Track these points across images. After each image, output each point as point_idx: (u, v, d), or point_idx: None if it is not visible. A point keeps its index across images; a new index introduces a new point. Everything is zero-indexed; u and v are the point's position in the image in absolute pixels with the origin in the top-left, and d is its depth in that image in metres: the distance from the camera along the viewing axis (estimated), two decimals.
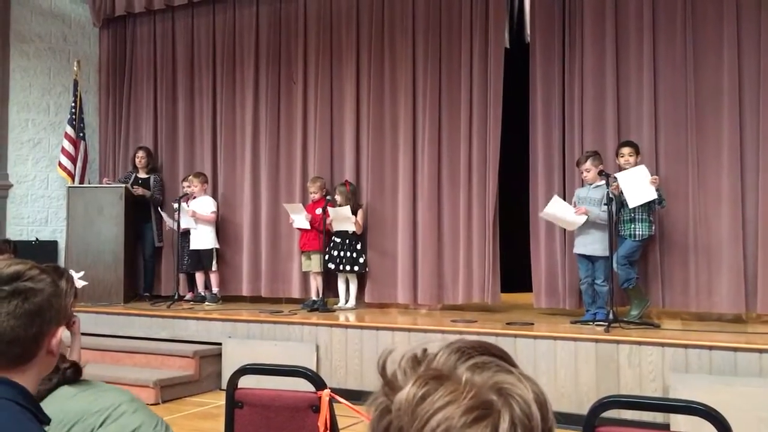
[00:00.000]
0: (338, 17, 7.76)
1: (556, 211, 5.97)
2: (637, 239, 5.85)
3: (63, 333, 1.45)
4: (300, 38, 7.93)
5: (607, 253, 5.75)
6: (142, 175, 8.30)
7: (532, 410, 0.74)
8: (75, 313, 3.03)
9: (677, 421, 4.53)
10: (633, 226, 5.85)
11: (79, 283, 2.91)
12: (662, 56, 6.30)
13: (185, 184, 8.02)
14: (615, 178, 5.76)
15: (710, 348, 4.86)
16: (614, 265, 5.75)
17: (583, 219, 5.88)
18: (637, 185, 5.68)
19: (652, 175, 5.72)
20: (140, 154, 8.35)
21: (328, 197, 7.27)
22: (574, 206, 6.03)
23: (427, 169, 7.13)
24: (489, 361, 0.78)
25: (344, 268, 7.11)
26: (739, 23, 6.03)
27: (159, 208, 8.15)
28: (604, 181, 5.81)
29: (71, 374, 2.10)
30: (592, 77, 6.52)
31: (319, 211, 7.15)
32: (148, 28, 8.88)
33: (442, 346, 0.80)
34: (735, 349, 4.81)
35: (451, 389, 0.74)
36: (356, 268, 7.14)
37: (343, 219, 7.03)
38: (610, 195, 5.72)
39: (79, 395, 2.04)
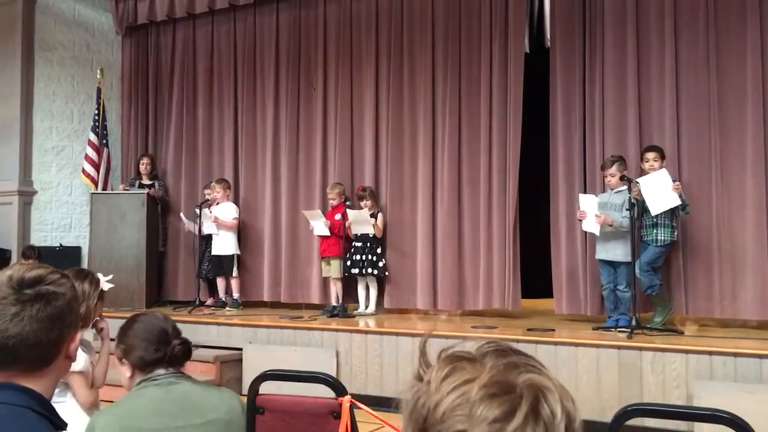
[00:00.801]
0: (358, 24, 7.79)
1: (588, 205, 5.92)
2: (659, 245, 5.79)
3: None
4: (320, 45, 7.97)
5: (629, 259, 5.69)
6: (145, 181, 8.42)
7: (555, 409, 0.74)
8: (105, 318, 3.05)
9: (702, 429, 4.47)
10: (656, 231, 5.78)
11: (106, 286, 2.93)
12: (684, 59, 6.23)
13: (207, 191, 8.08)
14: (637, 182, 5.71)
15: (735, 355, 4.79)
16: (637, 271, 5.70)
17: (598, 228, 5.83)
18: (659, 191, 5.62)
19: (674, 181, 5.66)
20: (145, 160, 8.49)
21: (347, 203, 7.28)
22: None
23: (446, 174, 7.12)
24: (525, 362, 0.80)
25: (365, 271, 7.12)
26: (762, 25, 5.95)
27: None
28: (625, 187, 5.76)
29: (180, 354, 2.12)
30: (613, 81, 6.47)
31: (338, 216, 7.16)
32: (170, 36, 8.98)
33: (477, 344, 0.84)
34: (760, 356, 4.72)
35: (478, 369, 0.77)
36: (376, 271, 7.14)
37: (362, 221, 7.04)
38: (632, 200, 5.67)
39: (173, 404, 2.01)
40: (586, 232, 6.33)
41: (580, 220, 6.05)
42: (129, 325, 2.21)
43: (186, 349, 2.15)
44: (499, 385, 0.75)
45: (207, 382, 2.13)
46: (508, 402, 0.73)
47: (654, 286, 5.75)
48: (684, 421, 4.57)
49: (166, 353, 2.11)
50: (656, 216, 5.73)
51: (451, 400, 0.75)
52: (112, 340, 3.16)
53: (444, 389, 0.77)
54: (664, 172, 5.69)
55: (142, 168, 8.49)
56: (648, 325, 5.62)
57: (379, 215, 7.22)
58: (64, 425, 1.38)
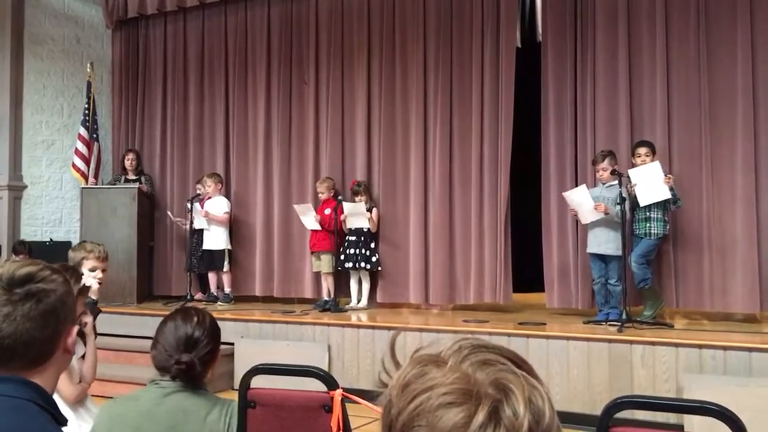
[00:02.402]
0: (349, 18, 7.76)
1: (578, 198, 5.93)
2: (652, 238, 5.82)
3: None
4: (311, 39, 7.95)
5: (620, 253, 5.72)
6: (131, 176, 8.38)
7: (518, 409, 0.73)
8: (89, 313, 3.03)
9: (691, 421, 4.50)
10: (648, 224, 5.82)
11: (89, 281, 2.92)
12: (675, 55, 6.25)
13: (198, 185, 8.05)
14: (628, 176, 5.73)
15: (724, 348, 4.82)
16: (632, 264, 5.73)
17: (598, 216, 5.84)
18: (650, 183, 5.64)
19: (666, 175, 5.68)
20: (130, 156, 8.45)
21: (339, 197, 7.28)
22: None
23: (438, 169, 7.12)
24: (496, 359, 0.78)
25: (359, 265, 7.12)
26: (752, 22, 5.98)
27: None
28: (617, 181, 5.78)
29: (177, 372, 2.06)
30: (605, 76, 6.48)
31: (328, 211, 7.16)
32: (161, 29, 8.93)
33: (450, 342, 0.82)
34: (750, 350, 4.76)
35: (444, 373, 0.76)
36: (369, 266, 7.14)
37: (358, 214, 7.03)
38: (623, 194, 5.69)
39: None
40: (577, 226, 6.36)
41: (575, 215, 6.07)
42: (164, 320, 2.17)
43: (187, 372, 2.06)
44: (458, 393, 0.73)
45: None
46: (465, 410, 0.72)
47: (647, 280, 5.79)
48: (673, 414, 4.59)
49: (170, 365, 2.07)
50: (649, 209, 5.76)
51: (410, 410, 0.74)
52: (99, 334, 3.15)
53: (405, 398, 0.76)
54: (656, 164, 5.72)
55: (127, 164, 8.44)
56: (638, 319, 5.65)
57: (374, 210, 7.22)
58: (65, 421, 1.38)
